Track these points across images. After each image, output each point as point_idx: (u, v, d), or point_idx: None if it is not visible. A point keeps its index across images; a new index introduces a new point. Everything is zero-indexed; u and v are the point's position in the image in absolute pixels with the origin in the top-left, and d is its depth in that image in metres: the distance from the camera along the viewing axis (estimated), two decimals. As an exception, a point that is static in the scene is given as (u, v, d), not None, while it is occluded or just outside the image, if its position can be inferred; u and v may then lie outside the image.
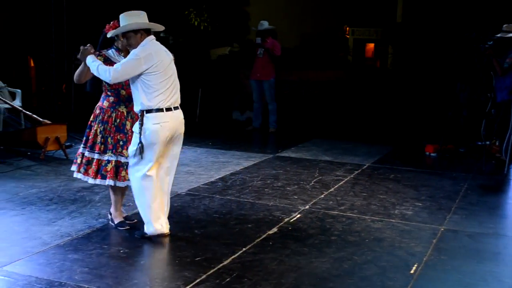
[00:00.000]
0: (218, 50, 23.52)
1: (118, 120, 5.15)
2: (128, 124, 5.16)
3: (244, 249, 4.87)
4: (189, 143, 9.82)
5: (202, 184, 7.03)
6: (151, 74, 4.83)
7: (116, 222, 5.36)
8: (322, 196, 6.65)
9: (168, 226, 5.17)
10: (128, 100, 5.13)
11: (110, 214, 5.45)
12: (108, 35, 5.10)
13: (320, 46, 19.16)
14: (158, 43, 5.03)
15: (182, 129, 5.11)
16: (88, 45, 5.06)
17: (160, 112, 4.88)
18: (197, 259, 4.63)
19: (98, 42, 5.26)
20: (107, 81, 4.88)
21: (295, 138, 10.57)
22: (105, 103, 5.18)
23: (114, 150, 5.12)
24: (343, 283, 4.30)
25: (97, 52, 5.13)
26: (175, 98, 5.03)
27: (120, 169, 5.14)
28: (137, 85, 4.87)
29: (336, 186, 7.08)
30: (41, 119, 8.48)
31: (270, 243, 5.06)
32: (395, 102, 10.43)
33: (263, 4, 24.81)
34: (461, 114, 9.52)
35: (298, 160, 8.66)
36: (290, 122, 11.63)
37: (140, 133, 4.85)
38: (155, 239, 5.02)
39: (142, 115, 4.87)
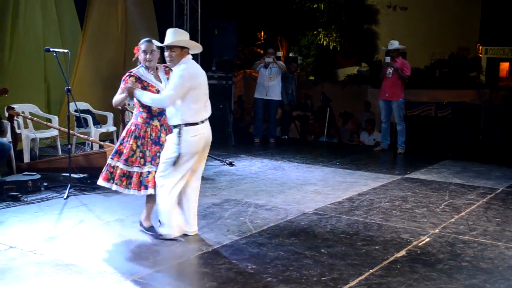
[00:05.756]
0: (346, 70, 23.56)
1: (153, 134, 5.55)
2: (163, 136, 5.57)
3: (371, 271, 4.82)
4: (317, 162, 9.89)
5: (329, 204, 7.03)
6: (192, 90, 5.29)
7: (146, 226, 5.71)
8: (453, 220, 6.45)
9: (194, 228, 5.68)
10: (159, 115, 5.57)
11: (141, 223, 5.78)
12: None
13: (451, 66, 18.64)
14: (194, 61, 5.49)
15: (210, 139, 5.59)
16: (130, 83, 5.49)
17: (197, 125, 5.35)
18: (323, 278, 4.63)
19: None
20: (165, 107, 5.38)
21: (425, 160, 10.36)
22: (139, 119, 5.58)
23: (153, 162, 5.49)
24: (474, 311, 4.16)
25: (128, 73, 5.59)
26: (208, 111, 5.52)
27: None
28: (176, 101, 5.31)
29: (467, 210, 6.86)
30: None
31: (398, 266, 4.97)
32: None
33: (392, 24, 24.59)
34: None
35: (427, 182, 8.46)
36: (420, 143, 11.39)
37: (179, 144, 5.27)
38: (281, 256, 5.08)
39: (181, 128, 5.28)
